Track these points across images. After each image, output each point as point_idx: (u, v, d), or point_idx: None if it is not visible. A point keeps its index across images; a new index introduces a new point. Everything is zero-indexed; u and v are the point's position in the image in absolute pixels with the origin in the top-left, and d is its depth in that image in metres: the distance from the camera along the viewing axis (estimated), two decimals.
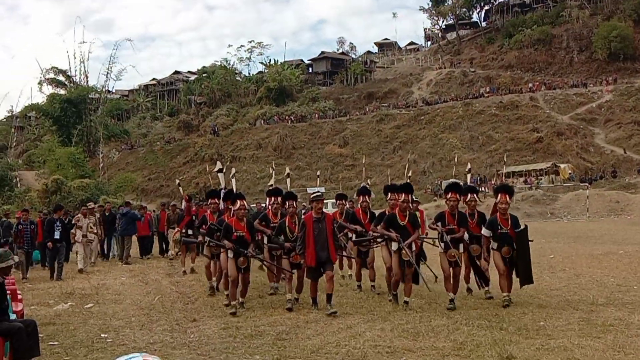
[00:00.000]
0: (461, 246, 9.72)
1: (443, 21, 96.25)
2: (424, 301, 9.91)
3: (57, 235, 14.98)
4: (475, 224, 9.96)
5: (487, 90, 71.14)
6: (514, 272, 9.44)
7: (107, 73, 70.39)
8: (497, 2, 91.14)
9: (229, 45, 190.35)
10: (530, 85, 70.30)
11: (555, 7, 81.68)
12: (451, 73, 79.89)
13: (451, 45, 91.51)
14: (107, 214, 19.57)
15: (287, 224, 9.79)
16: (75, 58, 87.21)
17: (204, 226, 11.24)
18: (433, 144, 62.49)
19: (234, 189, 11.90)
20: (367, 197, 11.58)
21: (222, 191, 11.92)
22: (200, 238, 11.50)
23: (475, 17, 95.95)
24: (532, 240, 9.70)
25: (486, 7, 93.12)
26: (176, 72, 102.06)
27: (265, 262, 10.81)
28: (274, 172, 16.03)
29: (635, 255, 16.24)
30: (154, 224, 20.73)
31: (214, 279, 11.51)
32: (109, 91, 75.48)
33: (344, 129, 70.32)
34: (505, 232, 9.35)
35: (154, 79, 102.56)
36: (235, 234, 9.52)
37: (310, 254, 9.15)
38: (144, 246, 20.40)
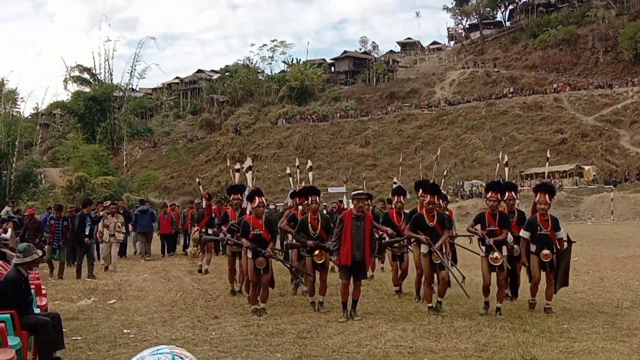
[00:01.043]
0: (504, 249, 8.99)
1: (467, 20, 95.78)
2: (445, 301, 9.85)
3: (87, 231, 14.71)
4: (515, 222, 9.45)
5: (511, 90, 70.52)
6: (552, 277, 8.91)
7: (131, 71, 71.03)
8: (522, 2, 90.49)
9: (252, 44, 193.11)
10: (554, 85, 69.54)
11: (580, 7, 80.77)
12: (474, 73, 79.35)
13: (475, 45, 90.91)
14: (121, 211, 18.67)
15: (309, 220, 9.35)
16: (100, 56, 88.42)
17: (224, 225, 10.95)
18: (455, 144, 62.12)
19: (251, 185, 11.26)
20: (402, 197, 10.90)
21: (247, 190, 11.17)
22: (221, 235, 11.12)
23: (499, 17, 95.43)
24: (574, 242, 9.33)
25: (510, 7, 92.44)
26: (199, 71, 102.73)
27: (286, 264, 10.44)
28: (298, 169, 15.22)
29: None
30: (177, 221, 20.50)
31: (236, 282, 11.11)
32: (132, 89, 76.19)
33: (366, 128, 70.22)
34: (545, 234, 8.82)
35: (177, 78, 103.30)
36: (252, 232, 9.06)
37: (345, 252, 8.54)
38: (167, 244, 20.26)
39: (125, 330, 8.32)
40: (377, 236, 10.27)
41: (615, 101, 63.62)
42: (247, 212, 10.12)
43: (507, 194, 9.58)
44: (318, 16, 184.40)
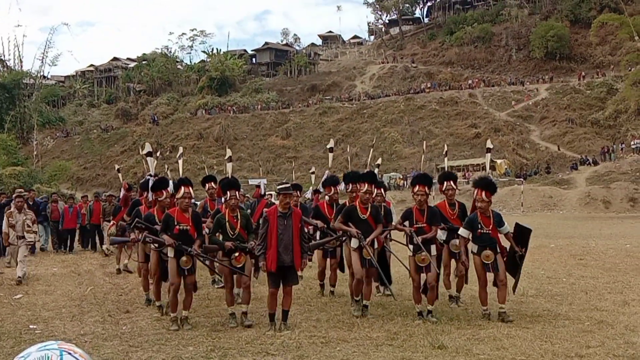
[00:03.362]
0: (433, 248, 8.21)
1: (386, 16, 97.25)
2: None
3: None
4: (457, 215, 8.85)
5: (428, 85, 72.24)
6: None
7: (43, 58, 68.05)
8: None
9: (170, 33, 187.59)
10: (469, 82, 71.74)
11: (495, 6, 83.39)
12: (394, 68, 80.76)
13: (394, 40, 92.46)
14: (31, 202, 17.13)
15: (227, 219, 8.06)
16: (9, 42, 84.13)
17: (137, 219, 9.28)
18: (375, 137, 63.12)
19: (180, 172, 10.16)
20: (336, 187, 10.02)
21: (151, 179, 9.84)
22: (132, 236, 9.52)
23: (418, 13, 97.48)
24: (531, 229, 8.66)
25: (429, 4, 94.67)
26: (115, 59, 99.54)
27: (214, 262, 8.83)
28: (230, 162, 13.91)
29: (565, 248, 16.82)
30: (84, 215, 18.68)
31: (151, 289, 9.48)
32: (44, 77, 73.07)
33: (287, 120, 70.24)
34: (486, 233, 8.07)
35: (91, 65, 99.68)
36: (177, 227, 7.90)
37: (271, 256, 7.51)
38: (67, 239, 18.79)
39: (31, 326, 8.02)
40: (308, 234, 9.36)
41: (527, 97, 66.31)
42: (155, 206, 9.02)
43: (445, 184, 9.05)
44: (241, 6, 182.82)
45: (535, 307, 8.62)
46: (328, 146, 12.54)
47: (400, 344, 6.70)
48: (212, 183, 10.45)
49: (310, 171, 14.09)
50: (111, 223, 14.38)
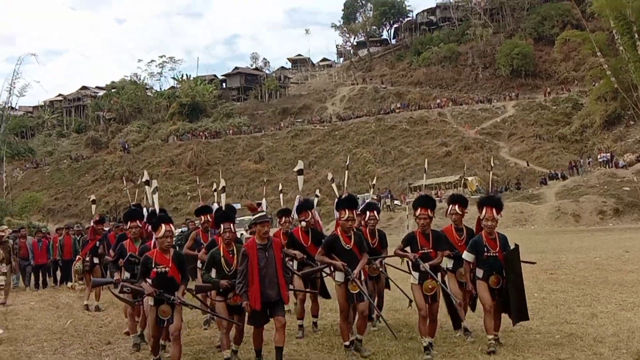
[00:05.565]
0: (439, 275, 7.48)
1: (354, 38, 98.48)
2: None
3: None
4: (464, 242, 8.16)
5: (398, 106, 73.25)
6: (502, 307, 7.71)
7: (10, 89, 67.37)
8: (406, 20, 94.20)
9: (139, 60, 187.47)
10: (438, 101, 72.92)
11: (460, 26, 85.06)
12: (363, 89, 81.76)
13: (363, 61, 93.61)
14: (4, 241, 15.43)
15: (222, 254, 7.41)
16: None
17: (121, 260, 8.52)
18: (347, 158, 63.51)
19: (157, 208, 8.73)
20: (312, 212, 9.31)
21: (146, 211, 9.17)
22: (115, 277, 8.70)
23: (385, 35, 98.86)
24: (534, 263, 8.76)
25: (395, 25, 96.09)
26: (83, 88, 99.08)
27: (203, 309, 8.19)
28: (221, 187, 12.67)
29: (537, 263, 17.18)
30: (55, 250, 17.80)
31: (139, 329, 8.74)
32: (12, 108, 72.25)
33: (259, 144, 70.52)
34: (493, 256, 7.55)
35: (60, 95, 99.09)
36: (154, 269, 6.95)
37: (254, 293, 6.86)
38: (41, 275, 17.99)
39: None
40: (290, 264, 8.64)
41: (495, 115, 67.55)
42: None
43: (450, 207, 8.68)
44: (209, 31, 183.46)
45: (508, 322, 8.84)
46: (296, 168, 11.50)
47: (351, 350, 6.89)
48: (208, 216, 9.62)
49: (279, 190, 13.30)
50: (77, 258, 13.52)
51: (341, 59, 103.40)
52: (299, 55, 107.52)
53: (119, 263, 8.52)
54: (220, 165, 67.93)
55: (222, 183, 10.16)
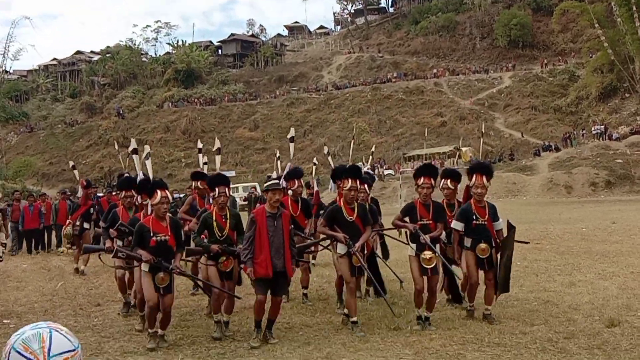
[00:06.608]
0: (438, 248, 7.27)
1: (352, 6, 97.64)
2: (324, 280, 10.36)
3: None
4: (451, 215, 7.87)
5: (395, 75, 72.89)
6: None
7: (5, 52, 67.19)
8: None
9: (135, 25, 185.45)
10: (435, 71, 72.58)
11: None
12: (360, 58, 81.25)
13: (360, 30, 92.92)
14: None
15: (214, 218, 7.26)
16: None
17: (112, 230, 8.12)
18: (343, 127, 63.48)
19: (150, 175, 8.34)
20: (300, 181, 9.18)
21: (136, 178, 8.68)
22: (107, 244, 8.26)
23: (383, 3, 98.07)
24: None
25: None
26: (78, 52, 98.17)
27: (197, 280, 8.03)
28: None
29: (524, 233, 17.23)
30: (48, 215, 17.38)
31: (129, 292, 8.59)
32: (6, 71, 72.03)
33: (255, 112, 70.29)
34: (482, 224, 7.37)
35: (54, 59, 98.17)
36: (153, 238, 6.76)
37: (264, 261, 6.65)
38: (31, 240, 17.58)
39: (5, 321, 8.27)
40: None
41: (491, 85, 67.32)
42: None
43: (442, 181, 8.32)
44: None
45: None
46: (288, 136, 11.42)
47: (360, 328, 7.12)
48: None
49: (277, 156, 13.18)
50: (67, 222, 13.40)
51: (338, 27, 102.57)
52: (296, 22, 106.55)
53: (111, 233, 8.12)
54: (215, 132, 67.93)
55: (217, 144, 10.22)
